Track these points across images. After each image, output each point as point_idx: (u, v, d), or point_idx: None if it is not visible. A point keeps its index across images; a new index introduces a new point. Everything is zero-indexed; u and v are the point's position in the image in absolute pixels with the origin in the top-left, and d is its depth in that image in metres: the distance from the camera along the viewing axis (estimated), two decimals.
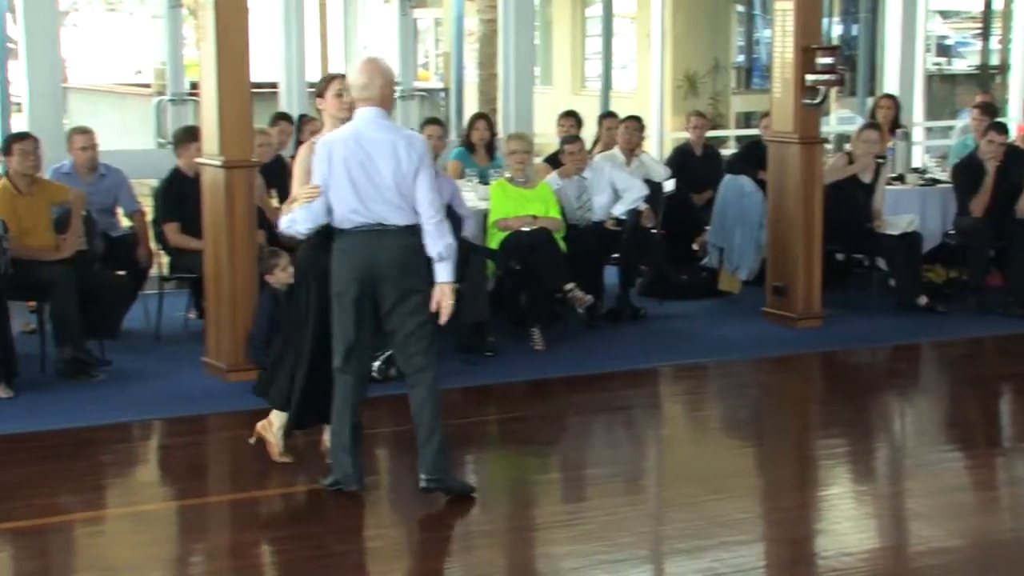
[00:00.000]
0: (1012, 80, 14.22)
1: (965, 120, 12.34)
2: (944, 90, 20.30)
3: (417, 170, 6.01)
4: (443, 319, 6.11)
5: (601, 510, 6.21)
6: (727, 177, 10.57)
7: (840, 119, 14.20)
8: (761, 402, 8.34)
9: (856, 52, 18.33)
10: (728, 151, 12.39)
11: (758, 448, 7.41)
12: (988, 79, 19.66)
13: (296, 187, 6.34)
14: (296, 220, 6.16)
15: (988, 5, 20.64)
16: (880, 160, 10.20)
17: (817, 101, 9.34)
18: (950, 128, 13.95)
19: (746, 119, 20.25)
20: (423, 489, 6.13)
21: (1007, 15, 17.28)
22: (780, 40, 9.44)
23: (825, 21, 14.94)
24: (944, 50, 21.68)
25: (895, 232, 9.86)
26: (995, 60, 20.35)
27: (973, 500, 6.40)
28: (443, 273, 6.06)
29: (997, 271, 10.19)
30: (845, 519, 6.14)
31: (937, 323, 9.61)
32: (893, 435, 7.83)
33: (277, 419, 6.66)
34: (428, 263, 6.07)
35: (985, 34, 20.61)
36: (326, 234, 6.15)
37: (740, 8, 22.58)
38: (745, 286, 10.39)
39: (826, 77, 9.24)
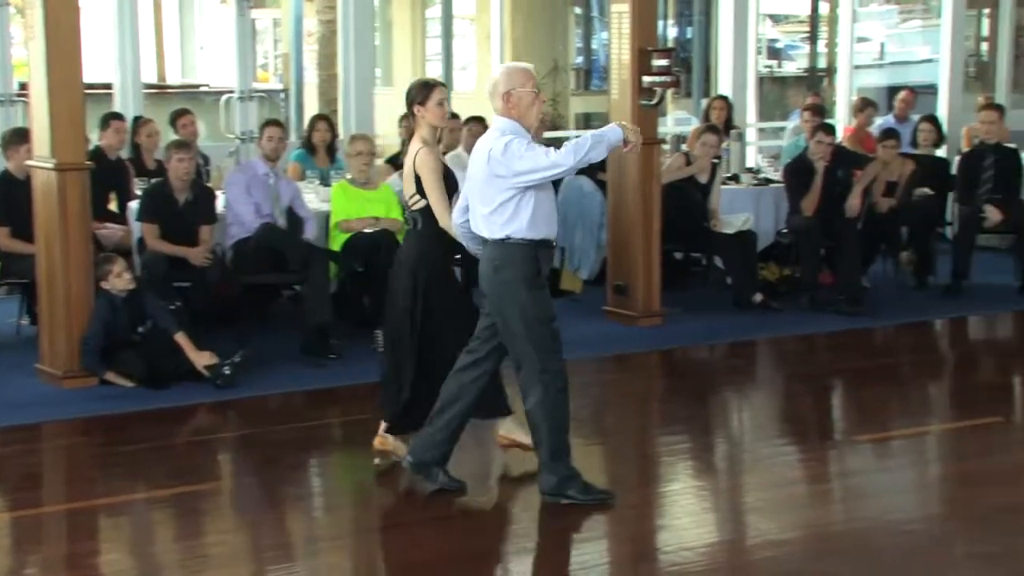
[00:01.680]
0: (839, 82, 14.63)
1: (796, 121, 12.64)
2: (775, 92, 20.75)
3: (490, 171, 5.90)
4: None
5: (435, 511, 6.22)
6: (567, 178, 10.65)
7: (677, 120, 14.45)
8: (603, 400, 8.43)
9: (691, 54, 18.64)
10: None
11: (600, 446, 7.48)
12: (817, 81, 20.17)
13: (436, 192, 6.31)
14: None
15: (815, 9, 21.18)
16: (716, 161, 10.41)
17: (654, 102, 9.48)
18: (782, 129, 14.28)
19: (585, 120, 20.45)
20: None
21: (833, 19, 17.77)
22: (617, 42, 9.56)
23: (660, 24, 15.18)
24: (775, 53, 22.17)
25: (731, 231, 10.06)
26: (823, 63, 20.89)
27: (807, 493, 6.56)
28: None
29: (828, 269, 10.47)
30: (685, 514, 6.24)
31: (772, 320, 9.83)
32: (731, 431, 7.99)
33: (508, 423, 6.64)
34: (513, 280, 5.90)
35: (813, 38, 21.14)
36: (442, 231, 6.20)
37: (578, 10, 22.79)
38: (586, 285, 10.49)
39: (662, 79, 9.38)
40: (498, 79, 5.99)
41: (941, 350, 9.95)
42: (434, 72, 20.96)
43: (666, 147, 11.20)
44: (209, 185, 9.65)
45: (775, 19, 22.00)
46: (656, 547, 5.88)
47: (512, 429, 6.62)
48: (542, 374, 5.94)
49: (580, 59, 22.79)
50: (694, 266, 10.80)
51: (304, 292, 8.80)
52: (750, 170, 11.41)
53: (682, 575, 5.46)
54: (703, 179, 10.25)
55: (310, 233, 9.13)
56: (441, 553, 5.66)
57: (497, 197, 5.89)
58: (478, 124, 10.67)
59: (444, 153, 10.63)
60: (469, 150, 10.45)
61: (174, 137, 10.09)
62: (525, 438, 6.43)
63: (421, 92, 6.39)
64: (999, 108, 11.28)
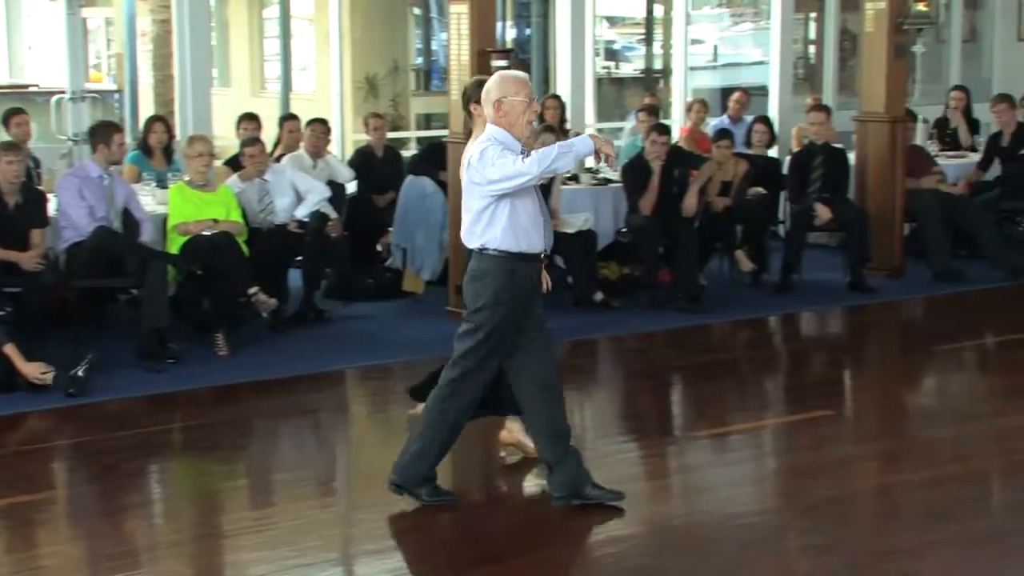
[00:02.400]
0: (674, 84, 14.88)
1: (633, 122, 12.83)
2: (613, 93, 21.01)
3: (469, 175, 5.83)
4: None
5: (289, 514, 6.18)
6: (409, 178, 10.66)
7: None
8: None
9: (529, 55, 18.78)
10: (409, 152, 12.50)
11: None
12: (653, 82, 20.48)
13: None
14: None
15: (650, 12, 21.50)
16: None
17: None
18: (620, 129, 14.47)
19: (426, 121, 20.45)
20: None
21: (667, 21, 18.06)
22: (456, 43, 9.59)
23: (499, 25, 15.24)
24: (612, 54, 22.43)
25: (571, 231, 10.16)
26: (659, 64, 21.22)
27: (647, 489, 6.67)
28: None
29: (667, 267, 10.64)
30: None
31: (612, 318, 9.96)
32: (572, 428, 8.05)
33: (515, 423, 6.46)
34: (482, 291, 5.84)
35: (648, 39, 21.45)
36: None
37: (417, 11, 22.78)
38: (429, 286, 10.50)
39: None
40: (490, 86, 5.87)
41: (775, 345, 10.20)
42: (272, 73, 20.77)
43: None
44: (40, 188, 9.41)
45: (612, 21, 22.26)
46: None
47: (518, 429, 6.58)
48: (461, 381, 5.92)
49: (420, 60, 22.79)
50: None
51: (141, 296, 8.64)
52: (589, 170, 11.53)
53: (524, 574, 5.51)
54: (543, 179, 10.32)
55: (146, 236, 8.98)
56: (278, 559, 5.62)
57: (474, 205, 5.82)
58: (320, 125, 10.61)
59: (283, 155, 10.59)
60: (311, 151, 10.45)
61: (5, 138, 9.82)
62: (529, 442, 6.42)
63: (477, 91, 6.26)
64: (827, 109, 11.60)
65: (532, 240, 5.86)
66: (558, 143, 5.82)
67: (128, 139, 10.90)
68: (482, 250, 5.83)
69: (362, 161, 11.23)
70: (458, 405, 6.00)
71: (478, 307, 5.85)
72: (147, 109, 13.63)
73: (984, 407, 8.05)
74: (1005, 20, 15.51)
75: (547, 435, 6.08)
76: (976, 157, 12.59)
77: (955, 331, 10.01)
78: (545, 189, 10.25)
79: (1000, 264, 11.34)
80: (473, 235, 5.85)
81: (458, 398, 5.98)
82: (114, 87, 17.56)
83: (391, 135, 12.02)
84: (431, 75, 22.64)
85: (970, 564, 5.46)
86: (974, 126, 13.26)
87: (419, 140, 14.90)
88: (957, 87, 13.67)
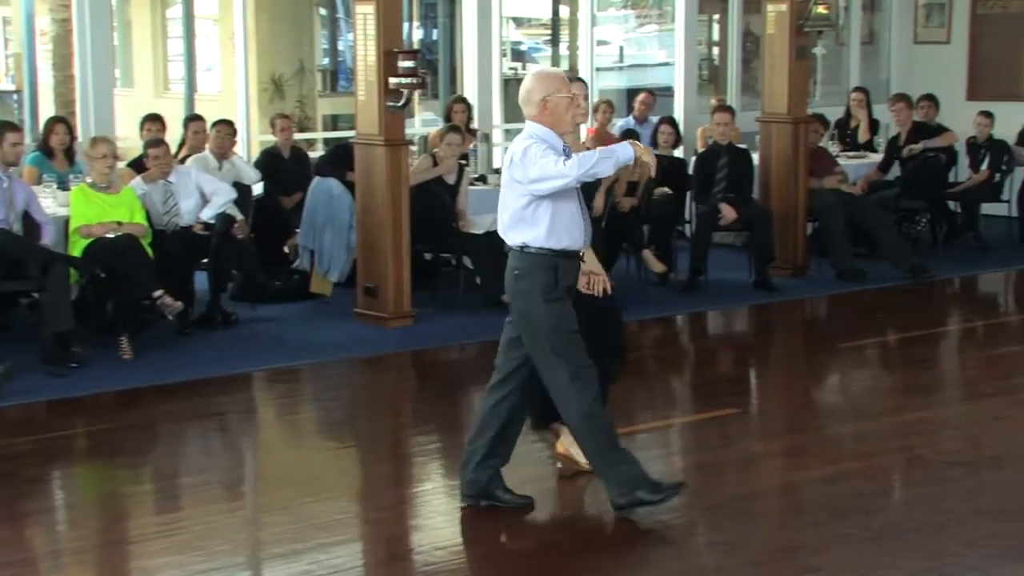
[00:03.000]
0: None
1: None
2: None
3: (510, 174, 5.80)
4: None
5: (196, 519, 6.13)
6: (316, 179, 10.61)
7: (424, 121, 14.53)
8: (355, 402, 8.44)
9: (437, 56, 18.76)
10: (316, 153, 12.44)
11: (354, 448, 7.49)
12: None
13: None
14: None
15: (556, 13, 21.57)
16: (463, 162, 10.52)
17: (400, 104, 9.52)
18: None
19: (334, 121, 20.34)
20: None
21: (573, 23, 18.14)
22: (362, 44, 9.56)
23: (406, 25, 15.21)
24: (519, 55, 22.48)
25: (479, 231, 10.18)
26: (565, 65, 21.27)
27: (556, 488, 6.68)
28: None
29: None
30: (438, 514, 6.29)
31: None
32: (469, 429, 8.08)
33: (567, 436, 6.32)
34: (531, 289, 5.78)
35: (555, 40, 21.52)
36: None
37: (323, 12, 22.66)
38: (337, 288, 10.46)
39: (408, 80, 9.43)
40: (532, 85, 5.81)
41: (682, 344, 10.30)
42: (176, 73, 20.53)
43: (414, 148, 11.25)
44: None
45: (518, 22, 22.31)
46: (410, 547, 5.93)
47: (571, 443, 6.44)
48: (572, 382, 5.81)
49: (327, 60, 22.67)
50: (443, 267, 10.89)
51: (43, 299, 8.51)
52: (497, 171, 11.56)
53: (435, 574, 5.51)
54: (451, 180, 10.35)
55: (48, 239, 8.85)
56: (186, 564, 5.56)
57: (516, 203, 5.78)
58: (226, 126, 10.53)
59: (187, 156, 10.49)
60: (217, 153, 10.36)
61: None
62: (581, 457, 6.29)
63: None
64: (731, 110, 11.74)
65: (574, 237, 5.83)
66: (599, 148, 5.77)
67: (28, 140, 10.73)
68: (523, 248, 5.80)
69: (268, 162, 11.16)
70: (591, 408, 5.85)
71: (524, 312, 5.84)
72: (48, 110, 13.41)
73: (885, 403, 8.20)
74: (901, 23, 15.80)
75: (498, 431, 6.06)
76: (876, 157, 12.81)
77: (857, 329, 10.18)
78: (452, 190, 10.31)
79: (899, 263, 11.54)
80: (515, 233, 5.82)
81: (584, 399, 5.84)
82: (13, 87, 17.24)
83: (298, 136, 11.96)
84: (338, 76, 22.53)
85: (872, 558, 5.56)
86: (875, 127, 13.49)
87: (326, 141, 14.82)
88: (857, 88, 13.90)
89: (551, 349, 5.81)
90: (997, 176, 12.87)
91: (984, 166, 12.82)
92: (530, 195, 5.75)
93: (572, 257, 5.88)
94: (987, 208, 13.03)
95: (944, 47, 15.37)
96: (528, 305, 5.82)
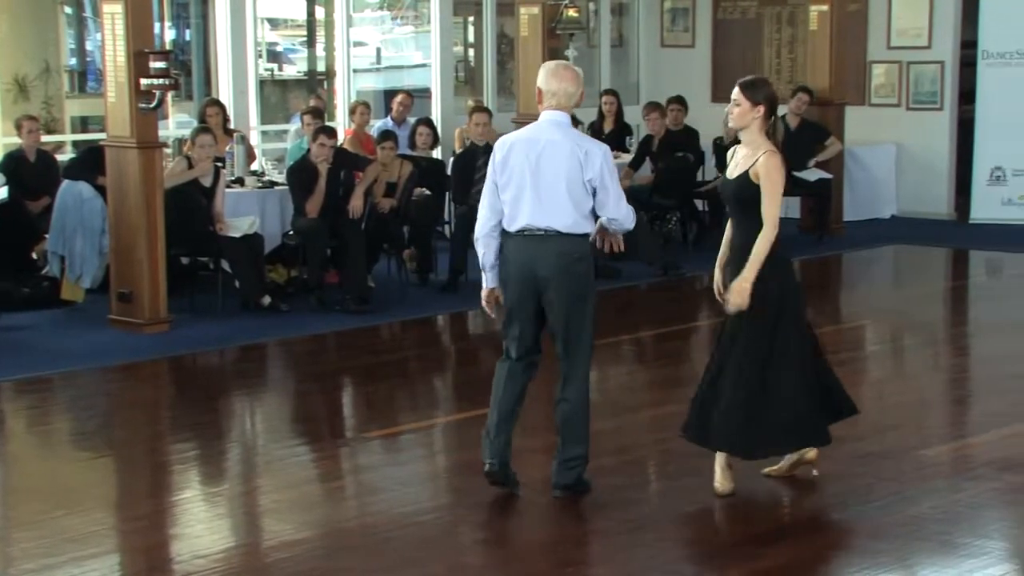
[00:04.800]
0: (338, 86, 14.91)
1: (298, 124, 12.78)
2: (277, 94, 20.83)
3: (600, 178, 6.04)
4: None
5: None
6: (65, 183, 10.30)
7: (179, 123, 14.25)
8: (110, 411, 8.23)
9: (190, 57, 18.41)
10: (65, 156, 12.08)
11: (109, 458, 7.30)
12: (317, 84, 20.44)
13: (777, 198, 6.08)
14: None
15: (311, 14, 21.43)
16: (219, 164, 10.36)
17: (153, 105, 9.32)
18: (285, 132, 14.39)
19: (83, 123, 19.74)
20: (557, 497, 6.17)
21: (330, 24, 18.07)
22: (111, 44, 9.33)
23: (157, 25, 14.87)
24: (275, 56, 22.25)
25: (237, 234, 10.05)
26: (322, 67, 21.18)
27: (321, 491, 6.68)
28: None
29: (334, 269, 10.66)
30: (198, 522, 6.20)
31: (281, 322, 9.90)
32: (243, 434, 8.00)
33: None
34: (589, 271, 6.18)
35: (311, 41, 21.39)
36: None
37: (69, 10, 21.98)
38: (89, 294, 10.19)
39: (160, 81, 9.24)
40: (573, 90, 6.12)
41: (443, 344, 10.38)
42: None
43: (168, 151, 11.02)
44: None
45: (273, 23, 22.09)
46: (169, 557, 5.81)
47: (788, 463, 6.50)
48: (587, 378, 6.28)
49: (74, 60, 22.01)
50: (201, 270, 10.70)
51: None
52: (255, 173, 11.43)
53: None
54: (207, 182, 10.17)
55: None
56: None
57: (585, 201, 6.08)
58: None
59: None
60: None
61: None
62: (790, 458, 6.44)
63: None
64: (488, 111, 11.87)
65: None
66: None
67: None
68: (584, 235, 6.17)
69: (13, 166, 10.81)
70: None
71: (579, 292, 6.21)
72: None
73: (641, 398, 8.44)
74: (648, 27, 16.27)
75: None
76: (627, 158, 13.14)
77: (612, 326, 10.40)
78: (208, 193, 10.14)
79: (652, 261, 11.85)
80: (585, 221, 6.13)
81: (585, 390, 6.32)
82: None
83: (46, 138, 11.58)
84: (87, 76, 21.88)
85: (630, 550, 5.71)
86: (626, 129, 13.83)
87: (75, 144, 14.38)
88: (608, 91, 14.22)
89: (591, 335, 6.30)
90: None
91: None
92: (592, 190, 6.10)
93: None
94: None
95: (689, 51, 15.91)
96: (585, 286, 6.22)
